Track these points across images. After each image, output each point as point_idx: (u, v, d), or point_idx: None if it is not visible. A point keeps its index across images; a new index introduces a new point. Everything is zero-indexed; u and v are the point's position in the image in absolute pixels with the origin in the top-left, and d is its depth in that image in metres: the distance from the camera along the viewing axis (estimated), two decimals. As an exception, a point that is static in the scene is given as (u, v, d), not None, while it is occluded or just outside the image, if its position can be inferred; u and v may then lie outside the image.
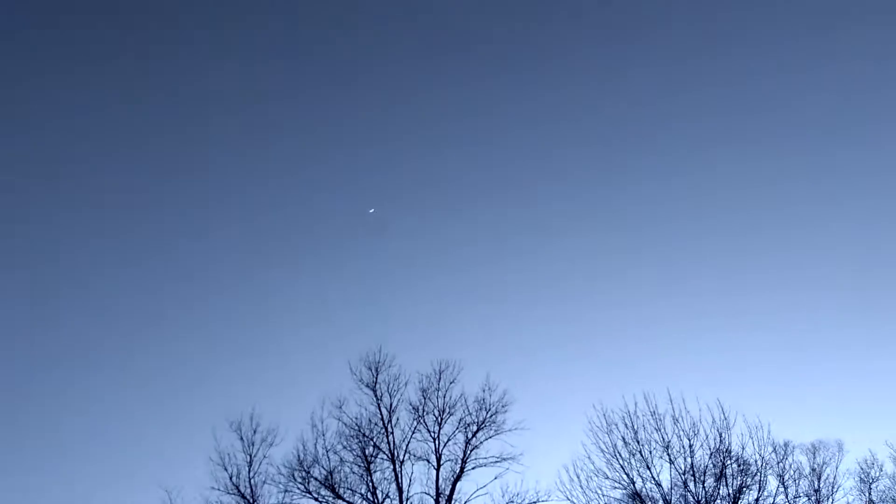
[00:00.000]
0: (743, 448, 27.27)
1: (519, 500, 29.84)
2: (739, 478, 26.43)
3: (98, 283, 55.14)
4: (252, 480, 30.11)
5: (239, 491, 29.65)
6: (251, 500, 29.55)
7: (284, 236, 57.19)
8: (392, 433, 32.18)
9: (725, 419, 27.61)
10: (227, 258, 56.89)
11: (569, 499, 28.22)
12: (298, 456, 31.06)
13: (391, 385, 32.98)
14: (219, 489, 29.62)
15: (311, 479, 30.57)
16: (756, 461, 26.76)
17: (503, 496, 30.14)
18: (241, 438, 31.15)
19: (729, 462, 26.67)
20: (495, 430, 31.84)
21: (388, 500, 30.46)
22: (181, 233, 57.73)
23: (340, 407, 32.44)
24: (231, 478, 29.94)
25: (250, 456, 30.71)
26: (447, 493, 30.57)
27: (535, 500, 29.63)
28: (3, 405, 50.97)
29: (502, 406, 32.29)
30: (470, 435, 31.90)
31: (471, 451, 31.57)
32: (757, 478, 26.44)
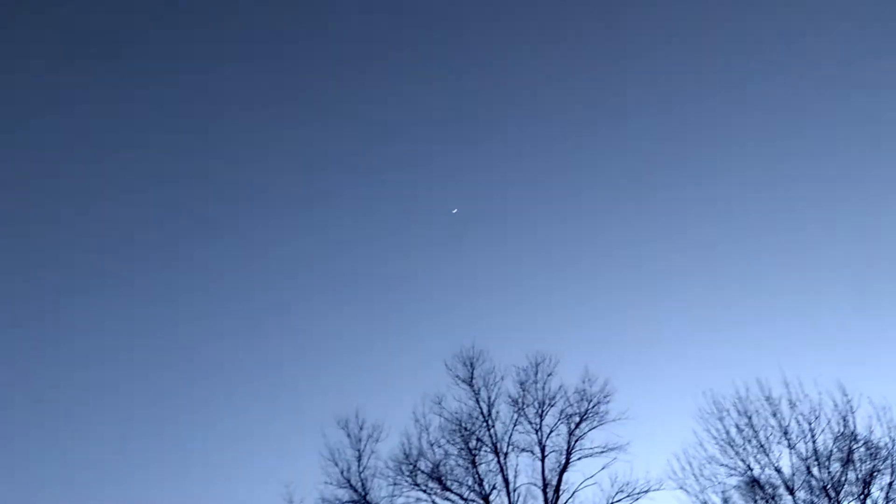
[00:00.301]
0: (870, 431, 25.71)
1: (629, 490, 29.26)
2: (869, 462, 24.87)
3: (211, 285, 57.96)
4: (362, 474, 30.96)
5: (350, 484, 30.54)
6: (363, 493, 30.35)
7: (380, 235, 58.04)
8: (493, 426, 32.34)
9: (848, 401, 26.16)
10: (327, 262, 58.50)
11: (682, 487, 27.50)
12: (404, 450, 31.72)
13: (487, 379, 33.26)
14: (331, 483, 30.62)
15: (419, 472, 31.11)
16: (887, 444, 25.11)
17: (612, 486, 29.65)
18: (349, 435, 32.08)
19: (856, 446, 25.16)
20: (599, 421, 31.43)
21: (494, 492, 30.59)
22: (281, 238, 59.68)
23: (440, 403, 32.97)
24: (342, 472, 30.88)
25: (359, 451, 31.57)
26: (554, 483, 30.35)
27: (646, 489, 28.97)
28: (119, 404, 54.61)
29: (604, 396, 31.85)
30: (573, 426, 31.61)
31: (575, 442, 31.27)
32: (889, 461, 24.79)
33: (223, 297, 57.33)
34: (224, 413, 53.93)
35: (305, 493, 37.56)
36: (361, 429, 32.25)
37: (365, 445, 31.79)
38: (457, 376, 33.40)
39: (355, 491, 30.46)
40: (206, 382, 55.31)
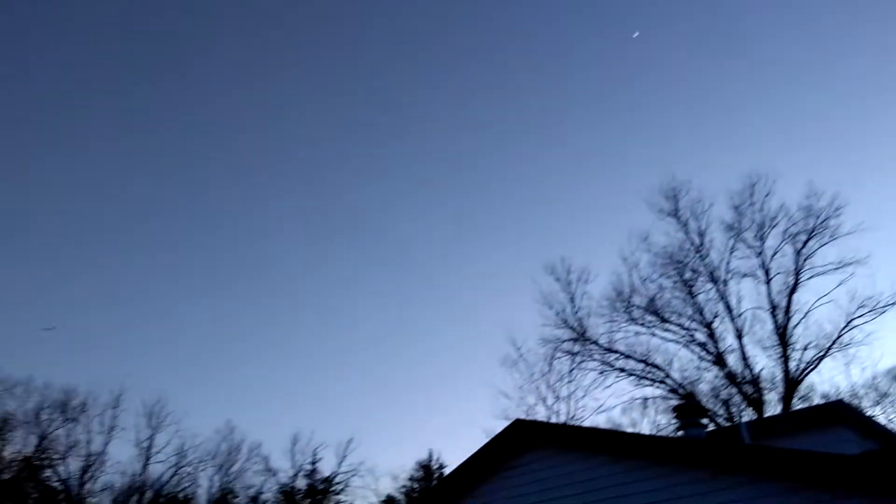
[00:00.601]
0: None
1: (872, 304, 27.23)
2: None
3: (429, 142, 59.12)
4: (577, 314, 31.73)
5: (567, 324, 31.51)
6: (580, 331, 31.25)
7: (565, 74, 55.02)
8: (707, 256, 31.25)
9: None
10: (522, 111, 57.19)
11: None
12: (615, 289, 31.87)
13: (695, 209, 31.89)
14: (549, 325, 31.79)
15: (634, 308, 31.24)
16: None
17: (851, 302, 27.74)
18: (558, 280, 32.76)
19: None
20: (829, 236, 29.10)
21: (717, 319, 29.99)
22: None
23: (646, 239, 32.37)
24: (557, 314, 31.87)
25: (570, 294, 32.23)
26: (783, 305, 29.02)
27: (892, 301, 26.75)
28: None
29: (834, 210, 29.21)
30: (799, 245, 29.59)
31: (803, 262, 29.36)
32: None
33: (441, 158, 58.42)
34: (449, 266, 57.88)
35: (526, 335, 40.44)
36: (570, 273, 32.78)
37: (575, 288, 32.39)
38: (660, 210, 32.38)
39: (573, 330, 31.44)
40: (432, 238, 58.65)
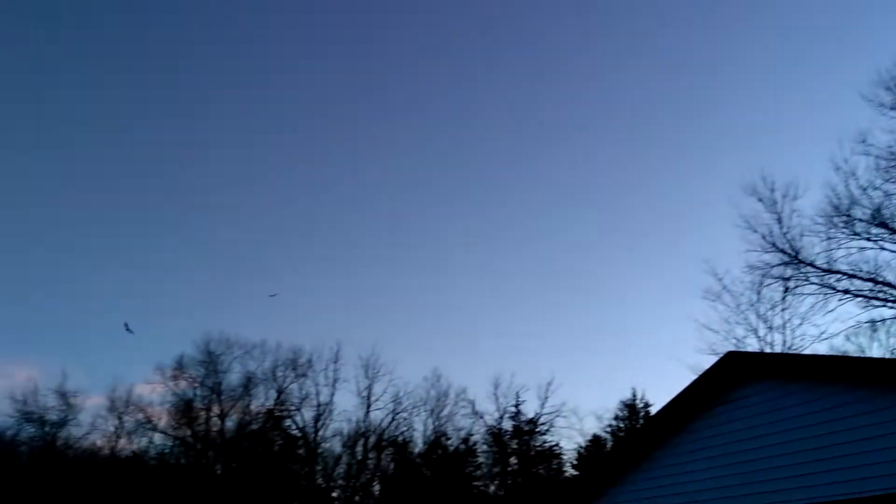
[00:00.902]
0: None
1: None
2: None
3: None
4: (787, 235, 28.76)
5: (776, 247, 28.62)
6: (793, 254, 28.30)
7: None
8: (947, 151, 26.56)
9: None
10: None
11: None
12: (830, 202, 28.30)
13: (926, 97, 27.04)
14: (755, 250, 29.18)
15: (855, 221, 27.55)
16: None
17: None
18: (761, 200, 29.80)
19: None
20: None
21: (965, 225, 25.53)
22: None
23: (864, 141, 28.05)
24: (764, 237, 29.08)
25: (777, 214, 29.16)
26: None
27: None
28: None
29: None
30: None
31: None
32: None
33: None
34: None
35: (729, 264, 37.66)
36: (773, 191, 29.65)
37: (782, 206, 29.24)
38: (880, 105, 27.84)
39: (783, 252, 28.46)
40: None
